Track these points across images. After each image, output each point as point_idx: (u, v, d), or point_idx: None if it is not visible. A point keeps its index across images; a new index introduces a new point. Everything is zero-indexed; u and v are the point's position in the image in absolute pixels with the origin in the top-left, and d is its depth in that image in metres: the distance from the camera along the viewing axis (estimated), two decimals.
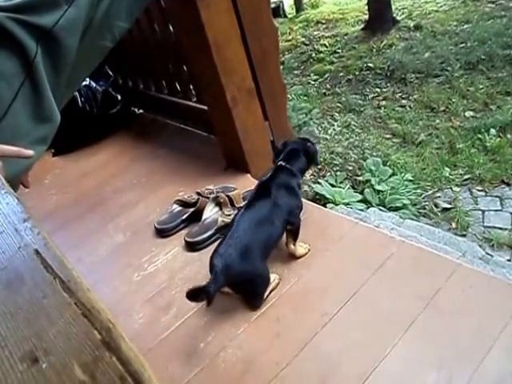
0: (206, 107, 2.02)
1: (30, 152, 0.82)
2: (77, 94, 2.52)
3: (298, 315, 1.30)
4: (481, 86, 3.69)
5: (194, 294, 1.20)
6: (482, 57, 4.05)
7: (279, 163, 1.49)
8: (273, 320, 1.30)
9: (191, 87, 2.24)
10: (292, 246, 1.46)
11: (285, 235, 1.46)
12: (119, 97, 2.68)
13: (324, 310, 1.27)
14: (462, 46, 4.39)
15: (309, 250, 1.49)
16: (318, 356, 1.17)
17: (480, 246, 1.88)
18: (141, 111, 2.86)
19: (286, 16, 7.63)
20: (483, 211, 2.49)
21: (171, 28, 2.10)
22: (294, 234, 1.45)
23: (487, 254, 1.77)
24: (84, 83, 2.55)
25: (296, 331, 1.25)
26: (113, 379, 0.30)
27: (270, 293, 1.38)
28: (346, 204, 2.34)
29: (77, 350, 0.33)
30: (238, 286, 1.33)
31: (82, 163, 2.48)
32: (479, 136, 3.07)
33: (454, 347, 1.10)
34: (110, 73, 2.73)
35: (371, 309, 1.25)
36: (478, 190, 2.64)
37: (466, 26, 4.82)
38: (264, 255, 1.34)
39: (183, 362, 1.26)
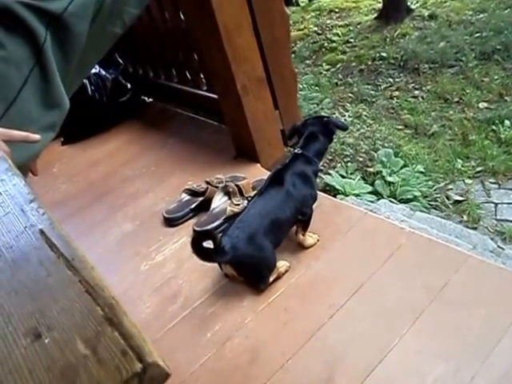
0: (216, 96, 2.00)
1: (37, 137, 0.82)
2: (86, 81, 2.50)
3: (306, 306, 1.29)
4: (496, 77, 3.61)
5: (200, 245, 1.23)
6: (498, 47, 3.96)
7: (296, 151, 1.47)
8: (280, 310, 1.30)
9: (201, 76, 2.23)
10: (301, 236, 1.45)
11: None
12: (129, 85, 2.66)
13: (331, 300, 1.27)
14: (477, 35, 4.30)
15: (318, 240, 1.48)
16: (325, 347, 1.17)
17: (492, 239, 1.84)
18: (150, 100, 2.85)
19: (298, 4, 7.53)
20: (496, 204, 2.44)
21: (182, 16, 2.08)
22: (304, 224, 1.44)
23: (499, 247, 1.74)
24: (94, 71, 2.52)
25: (303, 322, 1.25)
26: (114, 353, 0.30)
27: (277, 278, 1.38)
28: (356, 195, 2.32)
29: (80, 325, 0.33)
30: (242, 267, 1.33)
31: (91, 152, 2.47)
32: (493, 127, 3.01)
33: (462, 339, 1.09)
34: (120, 61, 2.72)
35: (379, 300, 1.24)
36: (491, 183, 2.59)
37: (481, 16, 4.70)
38: (272, 242, 1.34)
39: (189, 351, 1.26)
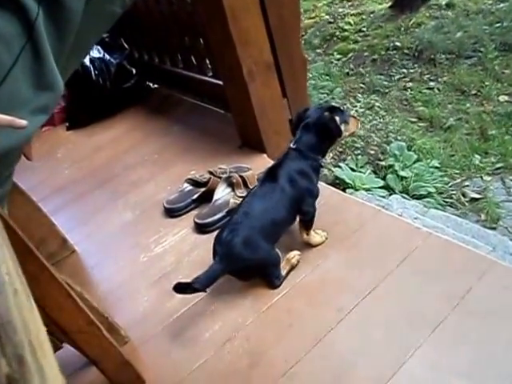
0: (221, 82, 1.91)
1: (24, 122, 0.76)
2: (90, 66, 2.45)
3: (312, 309, 1.21)
4: None
5: (180, 288, 1.20)
6: None
7: (289, 146, 1.35)
8: (284, 312, 1.22)
9: (207, 61, 2.14)
10: (305, 236, 1.36)
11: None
12: (134, 70, 2.59)
13: (340, 304, 1.18)
14: (497, 25, 4.13)
15: (326, 238, 1.38)
16: (332, 354, 1.08)
17: None
18: (155, 86, 2.77)
19: None
20: None
21: None
22: (306, 224, 1.35)
23: None
24: (98, 55, 2.48)
25: (309, 326, 1.16)
26: None
27: (290, 270, 1.31)
28: (367, 190, 2.22)
29: None
30: (240, 274, 1.28)
31: (95, 138, 2.45)
32: None
33: (486, 354, 0.99)
34: (126, 45, 2.64)
35: (393, 306, 1.14)
36: None
37: (502, 5, 4.53)
38: (269, 241, 1.26)
39: (187, 351, 1.20)
